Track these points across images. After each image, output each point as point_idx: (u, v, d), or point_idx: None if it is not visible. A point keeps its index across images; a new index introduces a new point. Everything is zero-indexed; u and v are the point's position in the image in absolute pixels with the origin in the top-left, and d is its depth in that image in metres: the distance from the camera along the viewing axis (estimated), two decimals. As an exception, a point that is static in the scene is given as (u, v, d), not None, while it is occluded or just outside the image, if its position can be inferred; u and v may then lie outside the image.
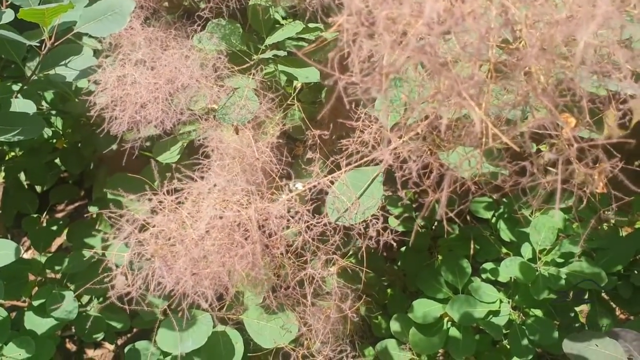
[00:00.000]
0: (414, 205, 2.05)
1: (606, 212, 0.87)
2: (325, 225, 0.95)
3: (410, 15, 0.47)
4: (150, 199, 0.89)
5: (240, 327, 1.36)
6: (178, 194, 0.92)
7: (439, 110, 0.55)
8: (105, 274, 0.97)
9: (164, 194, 0.89)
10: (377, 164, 0.95)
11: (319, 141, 1.12)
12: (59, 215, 2.52)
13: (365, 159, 0.94)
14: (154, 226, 0.86)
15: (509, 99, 0.61)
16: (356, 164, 0.97)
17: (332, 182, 0.97)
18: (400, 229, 1.95)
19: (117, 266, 0.88)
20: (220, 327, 1.37)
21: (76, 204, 2.55)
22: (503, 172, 0.78)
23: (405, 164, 0.77)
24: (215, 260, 0.82)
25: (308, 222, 0.93)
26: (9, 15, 1.26)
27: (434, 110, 0.62)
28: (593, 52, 0.55)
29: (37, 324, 1.51)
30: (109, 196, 1.58)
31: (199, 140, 1.32)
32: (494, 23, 0.51)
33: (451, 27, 0.47)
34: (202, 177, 0.96)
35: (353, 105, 0.94)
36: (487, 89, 0.56)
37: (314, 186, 0.96)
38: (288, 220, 0.91)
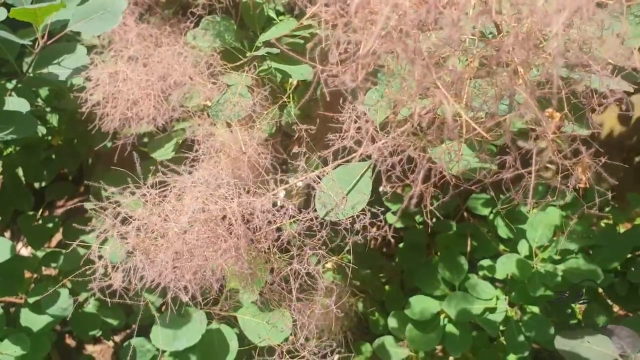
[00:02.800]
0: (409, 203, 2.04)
1: (590, 208, 0.86)
2: (312, 220, 0.95)
3: (383, 3, 0.47)
4: (133, 193, 0.89)
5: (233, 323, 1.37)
6: (163, 188, 0.92)
7: (415, 102, 0.55)
8: (92, 268, 0.97)
9: (148, 187, 0.90)
10: (364, 160, 0.95)
11: (308, 137, 1.12)
12: (59, 211, 2.53)
13: (353, 155, 0.94)
14: (136, 219, 0.86)
15: (491, 92, 0.60)
16: (343, 159, 0.97)
17: (319, 178, 0.96)
18: (399, 225, 1.95)
19: (99, 259, 0.88)
20: (215, 325, 1.37)
21: (75, 200, 2.55)
22: (485, 166, 0.78)
23: (390, 158, 0.77)
24: (198, 254, 0.82)
25: (294, 217, 0.93)
26: (1, 14, 1.26)
27: (415, 103, 0.61)
28: (573, 45, 0.55)
29: (32, 321, 1.51)
30: (104, 193, 1.59)
31: (190, 136, 1.32)
32: (471, 11, 0.50)
33: (425, 15, 0.47)
34: (189, 172, 0.96)
35: (344, 101, 0.94)
36: (467, 81, 0.56)
37: (301, 181, 0.96)
38: (274, 214, 0.91)
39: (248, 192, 0.92)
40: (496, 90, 0.58)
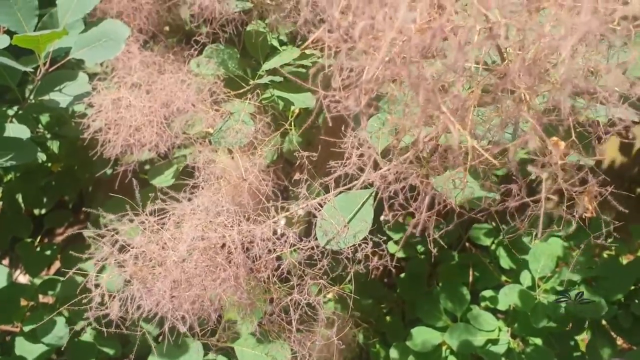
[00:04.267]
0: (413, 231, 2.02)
1: (596, 238, 0.85)
2: (313, 249, 0.93)
3: (388, 28, 0.47)
4: (132, 220, 0.88)
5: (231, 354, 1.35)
6: (162, 215, 0.91)
7: (420, 127, 0.54)
8: (89, 297, 0.96)
9: (147, 215, 0.88)
10: (365, 187, 0.95)
11: (310, 164, 1.11)
12: (59, 238, 2.51)
13: (355, 182, 0.93)
14: (133, 247, 0.85)
15: (495, 120, 0.60)
16: (345, 187, 0.96)
17: (320, 205, 0.96)
18: (400, 254, 1.94)
19: (96, 287, 0.87)
20: (212, 356, 1.35)
21: (75, 228, 2.54)
22: (489, 196, 0.77)
23: (392, 185, 0.76)
24: (197, 283, 0.81)
25: (295, 245, 0.91)
26: (4, 41, 1.26)
27: (419, 130, 0.61)
28: (579, 72, 0.55)
29: (27, 350, 1.49)
30: (102, 220, 1.58)
31: (191, 163, 1.31)
32: (476, 37, 0.50)
33: (430, 40, 0.46)
34: (189, 199, 0.95)
35: (346, 128, 0.94)
36: (471, 107, 0.55)
37: (302, 208, 0.95)
38: (274, 243, 0.90)
39: (248, 219, 0.91)
40: (501, 117, 0.58)
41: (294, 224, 0.95)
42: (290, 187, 1.33)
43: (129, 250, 0.85)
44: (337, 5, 0.50)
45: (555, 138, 0.69)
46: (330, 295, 1.56)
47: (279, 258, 0.95)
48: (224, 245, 0.85)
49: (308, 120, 1.50)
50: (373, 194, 0.97)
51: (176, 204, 0.92)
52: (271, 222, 0.90)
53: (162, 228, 0.86)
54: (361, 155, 0.84)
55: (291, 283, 0.96)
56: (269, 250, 0.89)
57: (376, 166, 0.86)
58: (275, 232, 0.91)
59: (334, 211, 0.94)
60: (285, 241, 0.90)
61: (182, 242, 0.81)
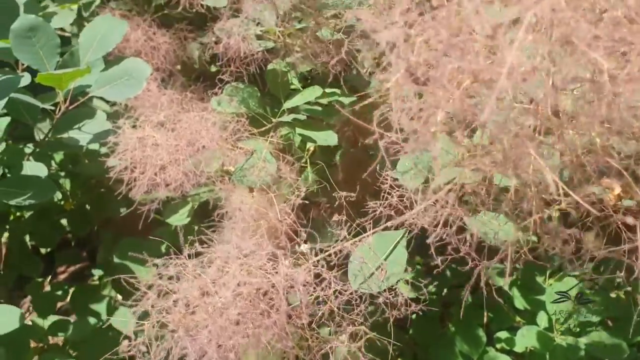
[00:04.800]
0: (423, 270, 2.00)
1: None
2: (352, 294, 0.91)
3: (480, 69, 0.46)
4: (172, 263, 0.85)
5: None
6: (199, 258, 0.88)
7: (497, 171, 0.53)
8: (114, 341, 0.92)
9: (185, 257, 0.86)
10: (404, 229, 0.93)
11: (329, 204, 1.10)
12: (62, 277, 2.47)
13: (390, 223, 0.92)
14: (176, 293, 0.81)
15: (556, 161, 0.59)
16: (379, 227, 0.94)
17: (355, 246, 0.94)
18: (412, 295, 1.90)
19: (135, 337, 0.82)
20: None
21: (78, 266, 2.50)
22: (532, 239, 0.75)
23: (437, 228, 0.75)
24: (239, 331, 0.77)
25: (336, 289, 0.89)
26: (25, 80, 1.26)
27: (485, 171, 0.60)
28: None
29: (37, 394, 1.44)
30: (115, 260, 1.55)
31: (215, 202, 1.30)
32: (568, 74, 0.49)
33: (522, 80, 0.46)
34: (218, 240, 0.93)
35: (365, 167, 0.93)
36: (536, 149, 0.54)
37: (340, 250, 0.93)
38: (314, 288, 0.87)
39: (287, 261, 0.89)
40: (571, 158, 0.57)
41: (333, 267, 0.93)
42: (309, 226, 1.32)
43: (171, 297, 0.82)
44: (413, 50, 0.49)
45: (607, 180, 0.68)
46: (342, 338, 1.53)
47: (317, 303, 0.92)
48: (264, 291, 0.83)
49: (325, 157, 1.50)
50: (406, 235, 0.96)
51: (215, 247, 0.89)
52: (311, 265, 0.88)
53: (202, 272, 0.84)
54: (401, 195, 0.83)
55: (328, 329, 0.93)
56: (310, 295, 0.87)
57: (412, 206, 0.85)
58: (317, 276, 0.89)
59: (369, 253, 0.93)
60: (327, 285, 0.88)
61: (226, 288, 0.78)
